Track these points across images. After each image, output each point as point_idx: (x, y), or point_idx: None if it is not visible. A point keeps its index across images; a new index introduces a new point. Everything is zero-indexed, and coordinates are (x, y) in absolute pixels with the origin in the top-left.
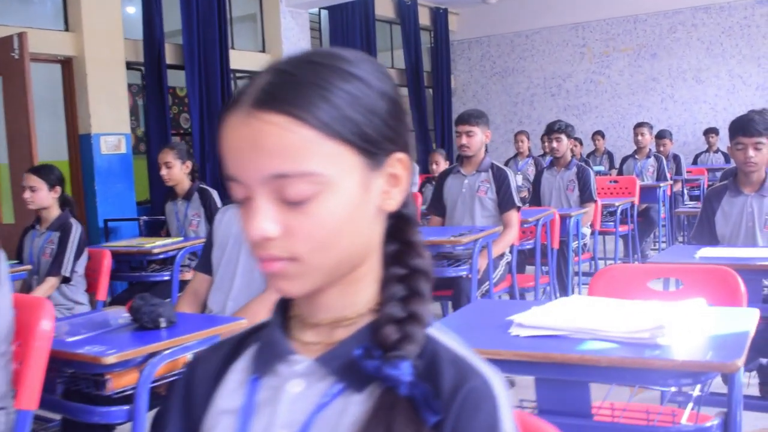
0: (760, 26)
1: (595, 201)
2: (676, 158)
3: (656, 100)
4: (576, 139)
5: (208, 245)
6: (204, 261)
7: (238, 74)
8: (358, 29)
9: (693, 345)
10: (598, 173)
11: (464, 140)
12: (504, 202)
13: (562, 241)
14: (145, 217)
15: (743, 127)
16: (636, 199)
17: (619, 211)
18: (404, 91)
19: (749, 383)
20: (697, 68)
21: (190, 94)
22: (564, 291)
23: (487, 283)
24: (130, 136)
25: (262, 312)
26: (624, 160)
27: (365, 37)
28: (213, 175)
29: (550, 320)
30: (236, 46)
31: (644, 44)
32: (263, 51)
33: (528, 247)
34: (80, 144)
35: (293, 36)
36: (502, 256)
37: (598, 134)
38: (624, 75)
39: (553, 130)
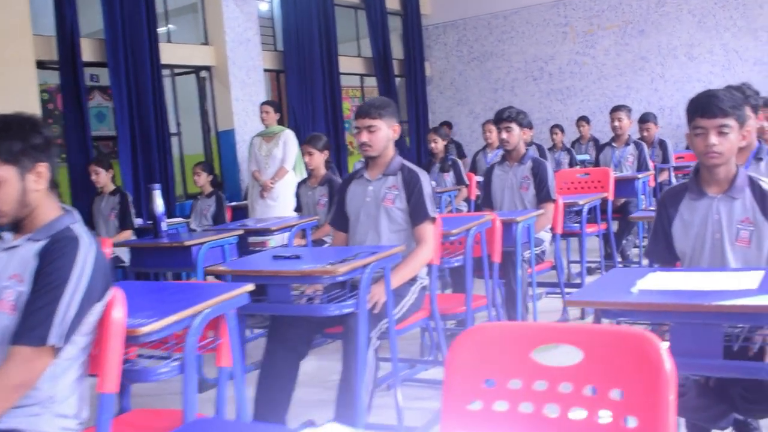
0: None
1: (554, 200)
2: (662, 144)
3: (646, 81)
4: (557, 126)
5: None
6: None
7: (176, 69)
8: (315, 17)
9: None
10: (582, 162)
11: (364, 137)
12: (415, 212)
13: (508, 251)
14: None
15: (702, 106)
16: (610, 194)
17: (585, 210)
18: (372, 81)
19: None
20: (688, 44)
21: (115, 94)
22: (513, 308)
23: (395, 316)
24: None
25: None
26: (600, 149)
27: (323, 25)
28: (145, 176)
29: None
30: (174, 40)
31: (631, 20)
32: (206, 43)
33: (457, 264)
34: None
35: (238, 27)
36: (414, 279)
37: (583, 120)
38: (610, 54)
39: (501, 118)
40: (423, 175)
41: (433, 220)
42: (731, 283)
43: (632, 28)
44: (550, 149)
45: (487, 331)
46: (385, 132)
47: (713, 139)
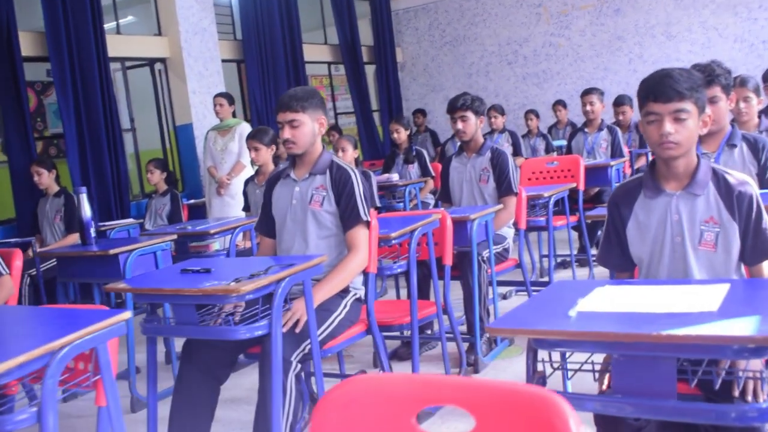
0: None
1: (516, 193)
2: (639, 128)
3: (623, 62)
4: (532, 111)
5: None
6: None
7: (129, 62)
8: (276, 4)
9: None
10: (560, 149)
11: (287, 133)
12: (346, 215)
13: (462, 252)
14: (10, 240)
15: (655, 89)
16: (580, 184)
17: (551, 203)
18: (340, 69)
19: None
20: (666, 22)
21: (59, 90)
22: (471, 311)
23: (323, 333)
24: None
25: None
26: (572, 135)
27: (285, 12)
28: (96, 176)
29: None
30: (127, 31)
31: None
32: (159, 34)
33: (401, 270)
34: None
35: (192, 16)
36: (346, 291)
37: (559, 104)
38: (586, 35)
39: (456, 107)
40: (354, 174)
41: (367, 223)
42: (689, 302)
43: (608, 7)
44: (525, 135)
45: (360, 387)
46: (309, 126)
47: (668, 126)
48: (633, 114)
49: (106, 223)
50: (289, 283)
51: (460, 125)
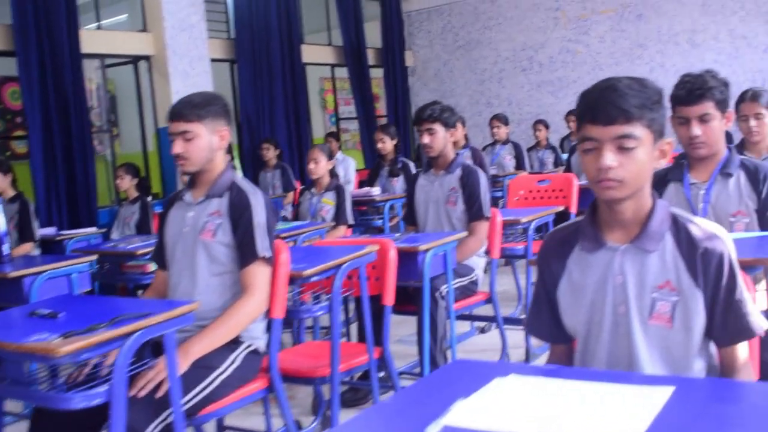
0: None
1: (488, 218)
2: None
3: (644, 70)
4: (541, 121)
5: None
6: None
7: (109, 59)
8: (274, 3)
9: None
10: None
11: (178, 147)
12: (242, 249)
13: (415, 288)
14: None
15: (593, 107)
16: (572, 206)
17: (531, 229)
18: (343, 72)
19: None
20: (691, 29)
21: (25, 88)
22: (421, 353)
23: (197, 396)
24: None
25: None
26: (573, 149)
27: (284, 12)
28: (66, 180)
29: None
30: (106, 27)
31: (628, 4)
32: (144, 30)
33: (321, 313)
34: None
35: (180, 12)
36: (237, 342)
37: (573, 114)
38: (605, 42)
39: (422, 118)
40: (255, 199)
41: (267, 260)
42: (603, 426)
43: (629, 12)
44: (532, 148)
45: None
46: (206, 140)
47: (609, 158)
48: None
49: (64, 233)
50: (141, 338)
51: (426, 139)
